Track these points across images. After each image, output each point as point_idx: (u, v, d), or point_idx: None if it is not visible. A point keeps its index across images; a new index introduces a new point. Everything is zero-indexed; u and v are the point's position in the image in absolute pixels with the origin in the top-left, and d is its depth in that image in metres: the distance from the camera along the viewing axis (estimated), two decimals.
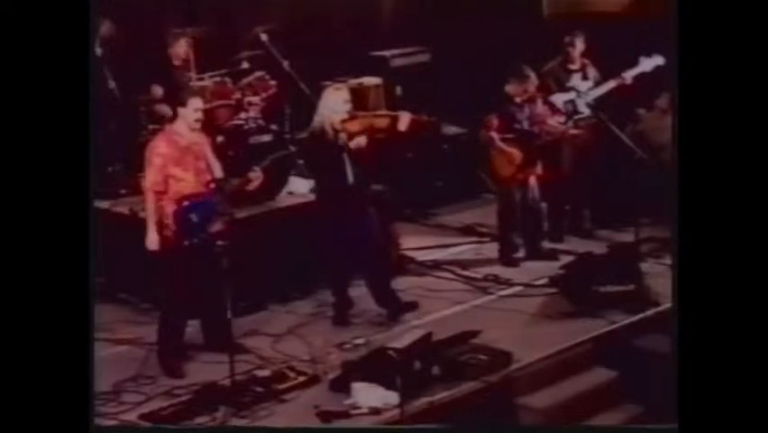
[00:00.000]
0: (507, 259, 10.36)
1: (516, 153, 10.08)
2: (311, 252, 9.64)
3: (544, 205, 10.56)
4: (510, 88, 10.13)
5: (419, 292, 9.77)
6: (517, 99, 10.13)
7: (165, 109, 10.09)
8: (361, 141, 8.89)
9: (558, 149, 10.55)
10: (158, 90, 10.47)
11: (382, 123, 9.05)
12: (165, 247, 8.30)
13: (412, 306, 9.28)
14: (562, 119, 10.44)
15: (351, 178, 8.92)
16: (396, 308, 9.18)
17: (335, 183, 8.92)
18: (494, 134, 10.08)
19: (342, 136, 8.86)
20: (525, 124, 10.15)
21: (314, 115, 9.08)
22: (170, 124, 8.51)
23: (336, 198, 8.94)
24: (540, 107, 10.29)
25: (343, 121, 8.90)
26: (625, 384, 8.65)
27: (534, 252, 10.41)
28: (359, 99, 11.35)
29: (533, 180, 10.29)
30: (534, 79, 10.13)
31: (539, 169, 10.27)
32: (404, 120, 8.97)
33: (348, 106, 8.98)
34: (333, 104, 8.96)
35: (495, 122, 10.10)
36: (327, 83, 11.68)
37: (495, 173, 10.30)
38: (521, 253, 10.42)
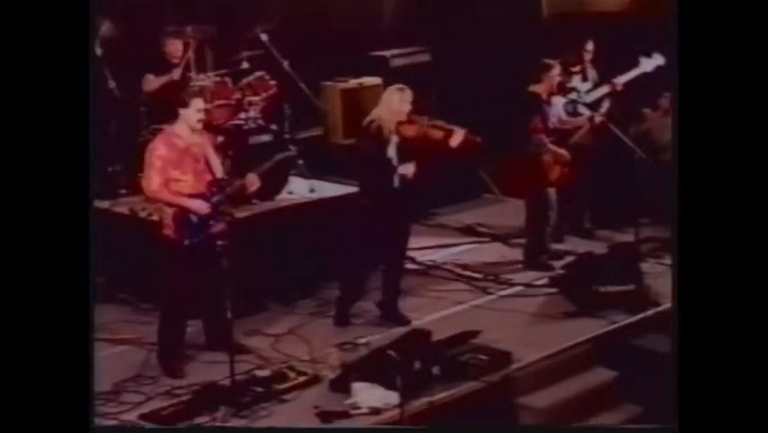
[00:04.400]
0: (533, 261, 10.31)
1: (565, 153, 10.01)
2: (312, 251, 9.65)
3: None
4: (539, 87, 10.07)
5: (419, 292, 9.78)
6: (545, 96, 10.09)
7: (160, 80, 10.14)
8: (409, 168, 8.84)
9: (586, 144, 10.45)
10: (150, 79, 10.49)
11: (437, 135, 8.88)
12: (165, 247, 8.30)
13: (405, 321, 9.23)
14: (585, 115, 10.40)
15: (396, 181, 8.90)
16: (390, 316, 9.17)
17: (380, 183, 8.89)
18: (543, 137, 10.00)
19: (394, 138, 8.81)
20: (550, 124, 10.11)
21: (373, 110, 9.00)
22: (170, 124, 8.49)
23: (378, 197, 8.90)
24: (555, 107, 10.24)
25: (400, 123, 8.84)
26: (625, 384, 8.65)
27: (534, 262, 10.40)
28: (358, 99, 11.39)
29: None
30: (557, 68, 10.10)
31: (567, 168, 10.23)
32: (457, 136, 8.86)
33: (408, 108, 8.92)
34: (395, 104, 8.88)
35: (540, 125, 10.01)
36: (327, 83, 11.74)
37: (544, 176, 10.11)
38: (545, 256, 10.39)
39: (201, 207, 8.20)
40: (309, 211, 10.04)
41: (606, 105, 10.09)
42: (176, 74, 10.53)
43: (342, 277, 9.34)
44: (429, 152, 9.00)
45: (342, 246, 9.29)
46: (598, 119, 10.09)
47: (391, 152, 8.89)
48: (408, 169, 8.86)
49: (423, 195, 11.74)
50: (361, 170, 9.20)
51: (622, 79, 10.56)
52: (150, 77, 10.54)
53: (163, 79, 10.49)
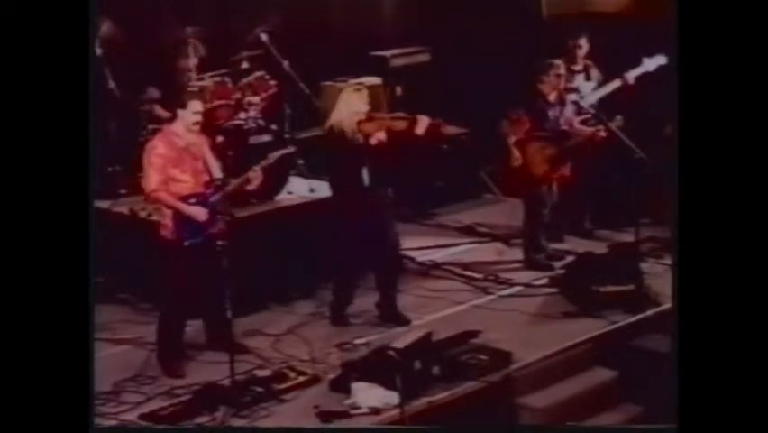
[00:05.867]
0: (532, 261, 10.30)
1: (518, 157, 10.00)
2: (311, 252, 9.64)
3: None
4: (543, 86, 10.05)
5: (419, 292, 9.78)
6: (551, 97, 10.06)
7: (162, 112, 10.12)
8: (380, 135, 8.82)
9: (583, 151, 10.43)
10: (154, 92, 10.48)
11: (400, 125, 8.94)
12: (165, 247, 8.30)
13: (405, 321, 9.23)
14: (589, 120, 10.36)
15: (366, 179, 8.89)
16: (389, 316, 9.17)
17: (351, 184, 8.89)
18: (510, 128, 9.96)
19: (359, 137, 8.83)
20: (554, 124, 10.09)
21: (332, 113, 9.04)
22: (169, 124, 8.50)
23: (351, 198, 8.91)
24: (569, 108, 10.23)
25: (360, 122, 8.86)
26: (625, 384, 8.65)
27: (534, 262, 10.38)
28: None
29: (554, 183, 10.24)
30: (561, 66, 10.09)
31: (567, 169, 10.19)
32: (422, 124, 8.89)
33: (366, 108, 8.94)
34: (354, 104, 8.91)
35: (526, 120, 9.97)
36: (327, 83, 11.73)
37: (514, 172, 10.15)
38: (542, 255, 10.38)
39: (200, 213, 8.20)
40: (309, 211, 10.04)
41: (619, 120, 10.03)
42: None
43: (332, 280, 9.35)
44: (397, 144, 8.99)
45: (328, 250, 9.27)
46: (602, 134, 10.06)
47: (357, 151, 8.89)
48: (380, 136, 8.79)
49: (421, 194, 11.81)
50: (330, 174, 9.24)
51: (633, 74, 10.52)
52: (154, 90, 10.52)
53: (161, 112, 10.38)
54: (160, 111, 10.18)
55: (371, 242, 8.99)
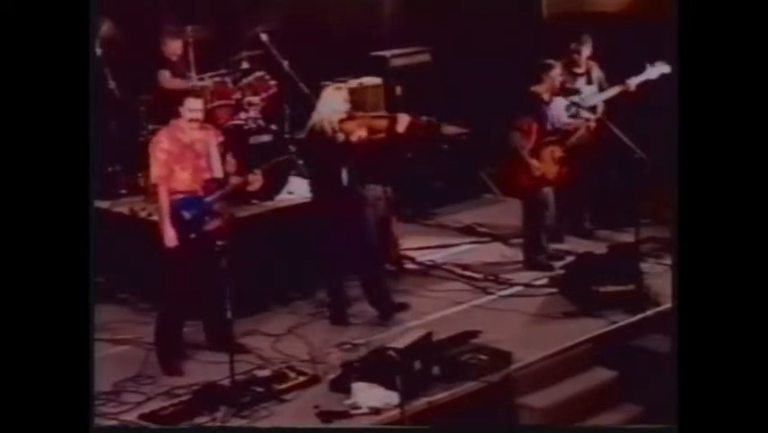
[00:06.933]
0: (532, 261, 10.29)
1: (537, 166, 9.99)
2: (311, 252, 9.64)
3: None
4: (539, 87, 10.02)
5: (419, 292, 9.78)
6: (545, 97, 10.06)
7: (173, 82, 10.12)
8: (361, 133, 8.84)
9: (584, 146, 10.41)
10: (167, 76, 10.49)
11: (381, 124, 9.00)
12: (162, 245, 8.31)
13: (403, 306, 9.23)
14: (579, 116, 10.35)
15: (345, 179, 8.90)
16: (387, 310, 9.16)
17: (331, 183, 8.91)
18: (523, 140, 9.91)
19: (340, 136, 8.85)
20: (553, 125, 10.08)
21: (312, 113, 9.07)
22: (175, 119, 8.47)
23: (331, 198, 8.93)
24: (558, 106, 10.21)
25: (341, 121, 8.89)
26: (625, 384, 8.65)
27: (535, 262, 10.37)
28: (358, 99, 11.38)
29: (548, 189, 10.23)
30: (558, 68, 10.09)
31: (566, 169, 10.18)
32: (402, 122, 8.92)
33: (347, 106, 8.97)
34: (334, 103, 8.94)
35: (534, 126, 9.95)
36: (327, 83, 11.72)
37: (529, 175, 10.09)
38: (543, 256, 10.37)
39: (170, 238, 8.19)
40: (309, 211, 10.03)
41: (601, 108, 10.03)
42: (191, 83, 10.47)
43: (326, 281, 9.35)
44: (379, 143, 9.00)
45: (323, 250, 9.29)
46: (592, 125, 10.06)
47: (339, 150, 8.89)
48: (361, 133, 8.77)
49: (421, 194, 11.80)
50: (311, 174, 9.26)
51: (635, 81, 10.50)
52: (167, 74, 10.52)
53: (178, 83, 10.42)
54: (172, 81, 10.19)
55: (351, 241, 8.99)
